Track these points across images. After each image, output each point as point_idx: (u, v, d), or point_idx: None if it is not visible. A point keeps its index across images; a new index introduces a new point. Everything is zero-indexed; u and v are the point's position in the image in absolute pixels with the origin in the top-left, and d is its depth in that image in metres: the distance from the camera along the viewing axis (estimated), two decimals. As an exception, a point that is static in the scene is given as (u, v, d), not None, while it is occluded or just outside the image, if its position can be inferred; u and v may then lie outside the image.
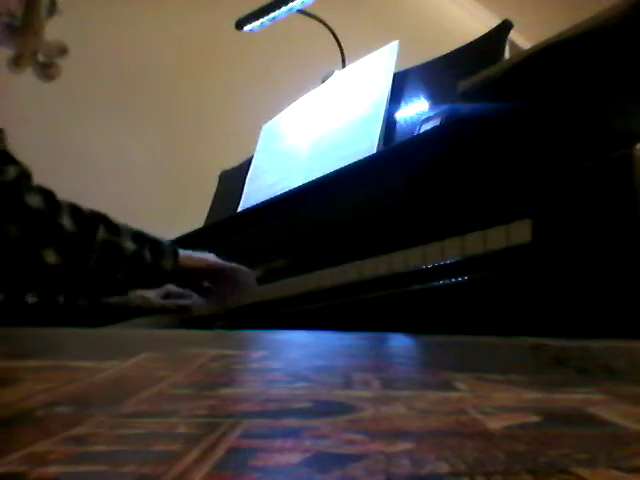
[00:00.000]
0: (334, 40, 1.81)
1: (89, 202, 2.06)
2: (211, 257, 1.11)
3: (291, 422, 0.26)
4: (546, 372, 0.45)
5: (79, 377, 0.38)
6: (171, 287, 1.26)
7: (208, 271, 1.10)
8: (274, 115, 1.51)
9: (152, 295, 1.25)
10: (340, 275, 0.93)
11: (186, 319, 1.26)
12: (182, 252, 1.06)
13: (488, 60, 0.95)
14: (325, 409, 0.29)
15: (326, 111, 1.30)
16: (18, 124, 2.00)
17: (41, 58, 1.41)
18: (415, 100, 1.15)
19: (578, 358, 0.50)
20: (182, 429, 0.25)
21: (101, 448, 0.22)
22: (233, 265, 1.10)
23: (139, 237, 1.01)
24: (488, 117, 0.80)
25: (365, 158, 1.04)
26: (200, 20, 2.34)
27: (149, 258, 1.00)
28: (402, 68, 1.20)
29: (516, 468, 0.20)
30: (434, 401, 0.32)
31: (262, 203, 1.24)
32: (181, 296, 1.26)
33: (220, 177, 1.73)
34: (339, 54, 1.81)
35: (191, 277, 1.10)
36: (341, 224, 1.00)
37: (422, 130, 1.03)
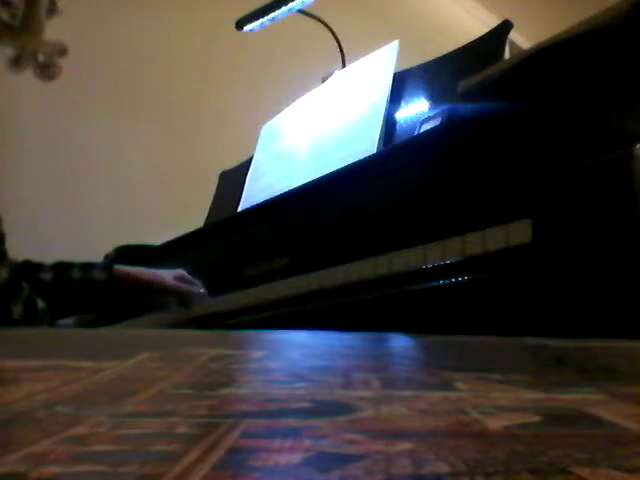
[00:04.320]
0: (334, 40, 1.81)
1: (89, 202, 2.06)
2: (156, 274, 1.27)
3: (291, 422, 0.26)
4: (546, 372, 0.45)
5: (79, 377, 0.38)
6: (182, 271, 1.28)
7: (151, 285, 1.26)
8: (274, 115, 1.51)
9: (166, 275, 1.27)
10: (340, 275, 0.93)
11: (184, 319, 1.26)
12: (121, 267, 1.26)
13: (488, 60, 0.95)
14: (325, 409, 0.29)
15: (326, 111, 1.30)
16: (18, 124, 2.00)
17: (41, 58, 1.41)
18: (415, 100, 1.15)
19: (578, 358, 0.50)
20: (182, 429, 0.25)
21: (101, 448, 0.22)
22: (175, 285, 1.26)
23: (63, 265, 1.23)
24: (488, 117, 0.80)
25: (365, 158, 1.04)
26: (200, 20, 2.34)
27: (78, 274, 1.21)
28: (402, 68, 1.20)
29: (516, 468, 0.20)
30: (434, 401, 0.32)
31: (262, 203, 1.24)
32: (195, 282, 1.27)
33: (220, 177, 1.73)
34: (339, 54, 1.81)
35: (137, 289, 1.27)
36: (341, 224, 1.00)
37: (422, 130, 1.03)
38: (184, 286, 1.27)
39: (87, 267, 1.23)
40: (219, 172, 1.75)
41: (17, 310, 1.02)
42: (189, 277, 1.28)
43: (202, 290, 1.27)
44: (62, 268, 1.21)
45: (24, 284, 1.06)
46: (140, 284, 1.25)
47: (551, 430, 0.26)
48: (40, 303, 1.09)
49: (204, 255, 1.36)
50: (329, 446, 0.22)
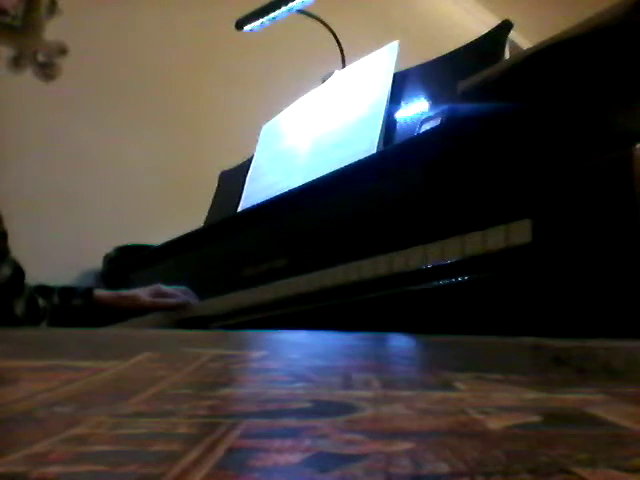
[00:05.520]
0: (334, 40, 1.81)
1: (89, 203, 2.06)
2: (133, 295, 1.29)
3: (291, 422, 0.26)
4: (546, 372, 0.45)
5: (79, 377, 0.38)
6: (161, 286, 1.29)
7: (129, 308, 1.28)
8: (274, 115, 1.51)
9: (142, 293, 1.28)
10: (340, 275, 0.93)
11: (184, 319, 1.26)
12: (99, 292, 1.30)
13: (488, 60, 0.95)
14: (325, 409, 0.29)
15: (326, 111, 1.30)
16: (18, 124, 2.00)
17: (41, 58, 1.42)
18: (415, 100, 1.15)
19: (578, 358, 0.50)
20: (182, 429, 0.25)
21: (101, 448, 0.22)
22: (151, 302, 1.27)
23: (43, 289, 1.22)
24: (488, 117, 0.80)
25: (365, 158, 1.04)
26: (200, 20, 2.34)
27: (56, 300, 1.23)
28: (402, 68, 1.20)
29: (516, 468, 0.20)
30: (434, 401, 0.32)
31: (262, 203, 1.24)
32: (172, 294, 1.28)
33: (220, 177, 1.73)
34: (339, 54, 1.81)
35: (117, 311, 1.29)
36: (341, 224, 1.00)
37: (422, 130, 1.03)
38: (161, 301, 1.28)
39: (66, 292, 1.26)
40: (219, 172, 1.75)
41: (19, 307, 1.02)
42: (165, 289, 1.30)
43: (179, 299, 1.28)
44: (42, 293, 1.22)
45: (26, 283, 1.06)
46: (118, 307, 1.29)
47: (551, 430, 0.26)
48: (41, 302, 1.09)
49: (204, 255, 1.36)
50: (329, 446, 0.22)
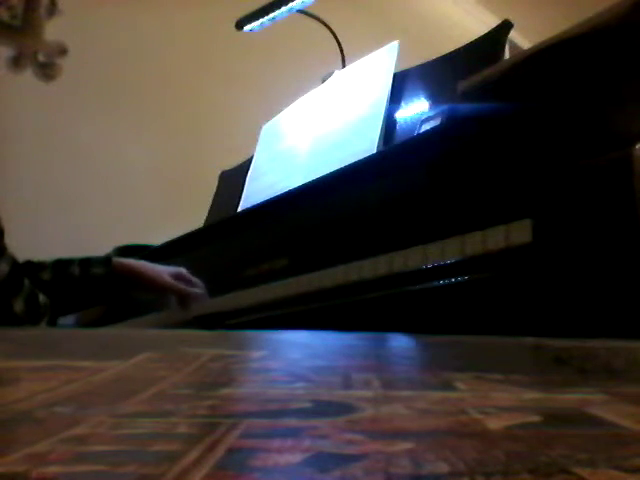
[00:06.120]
0: (334, 40, 1.81)
1: (89, 203, 2.06)
2: (155, 269, 1.24)
3: (291, 422, 0.26)
4: (546, 372, 0.45)
5: (79, 377, 0.38)
6: (184, 270, 1.26)
7: (148, 281, 1.23)
8: (274, 115, 1.51)
9: (165, 273, 1.25)
10: (340, 275, 0.93)
11: (184, 320, 1.26)
12: (120, 260, 1.25)
13: (488, 60, 0.95)
14: (325, 409, 0.29)
15: (326, 111, 1.30)
16: (18, 124, 2.00)
17: (41, 58, 1.42)
18: (415, 100, 1.15)
19: (578, 358, 0.50)
20: (182, 429, 0.25)
21: (101, 448, 0.22)
22: (171, 283, 1.23)
23: (62, 262, 1.22)
24: (488, 117, 0.80)
25: (365, 158, 1.04)
26: (200, 20, 2.34)
27: (77, 271, 1.20)
28: (402, 68, 1.20)
29: (516, 468, 0.20)
30: (434, 401, 0.32)
31: (262, 203, 1.24)
32: (194, 284, 1.26)
33: (220, 177, 1.73)
34: (339, 54, 1.81)
35: (135, 283, 1.23)
36: (341, 224, 1.00)
37: (422, 130, 1.03)
38: (181, 285, 1.25)
39: (86, 262, 1.22)
40: (219, 172, 1.75)
41: (18, 305, 1.02)
42: (188, 275, 1.26)
43: (199, 290, 1.25)
44: (61, 266, 1.20)
45: (26, 280, 1.06)
46: (139, 278, 1.24)
47: (551, 430, 0.26)
48: (42, 298, 1.08)
49: (204, 255, 1.36)
50: (329, 446, 0.22)
